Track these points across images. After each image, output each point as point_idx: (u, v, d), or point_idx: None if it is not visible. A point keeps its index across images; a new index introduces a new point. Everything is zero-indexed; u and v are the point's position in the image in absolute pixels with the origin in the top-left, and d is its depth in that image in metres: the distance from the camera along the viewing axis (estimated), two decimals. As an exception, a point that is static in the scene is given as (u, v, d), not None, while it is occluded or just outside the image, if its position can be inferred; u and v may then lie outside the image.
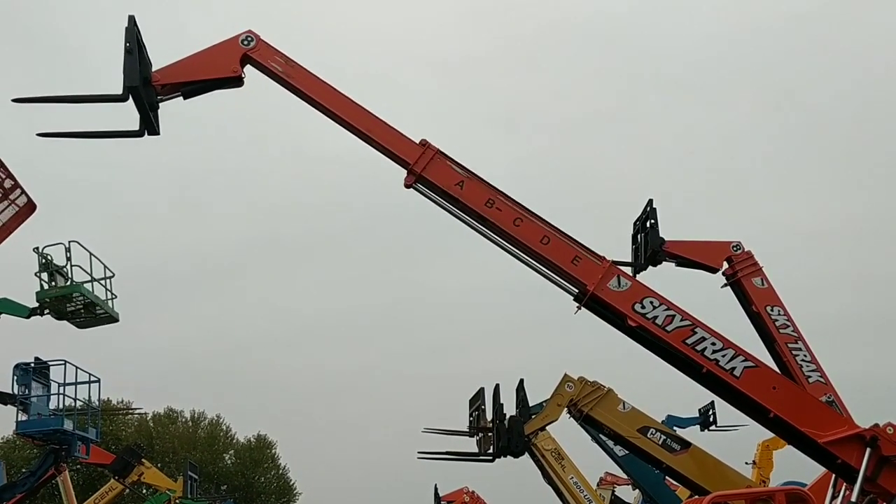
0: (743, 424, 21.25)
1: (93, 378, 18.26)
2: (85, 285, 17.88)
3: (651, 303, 9.70)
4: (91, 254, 18.06)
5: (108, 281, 18.59)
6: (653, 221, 13.28)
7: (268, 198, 78.92)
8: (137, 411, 46.67)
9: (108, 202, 73.91)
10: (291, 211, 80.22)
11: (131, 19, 9.96)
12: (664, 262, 13.41)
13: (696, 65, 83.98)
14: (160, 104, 10.16)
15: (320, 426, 73.26)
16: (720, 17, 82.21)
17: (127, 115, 10.17)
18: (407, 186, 10.15)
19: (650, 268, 13.17)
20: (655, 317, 9.65)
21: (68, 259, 17.49)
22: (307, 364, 75.70)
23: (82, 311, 18.13)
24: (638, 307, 9.69)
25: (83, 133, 10.41)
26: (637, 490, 25.61)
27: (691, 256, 13.66)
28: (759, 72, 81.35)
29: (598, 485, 29.55)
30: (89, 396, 18.36)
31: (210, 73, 10.24)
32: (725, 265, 13.94)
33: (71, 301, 17.60)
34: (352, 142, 10.12)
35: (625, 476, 25.19)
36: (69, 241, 17.57)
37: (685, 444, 16.03)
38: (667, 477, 18.21)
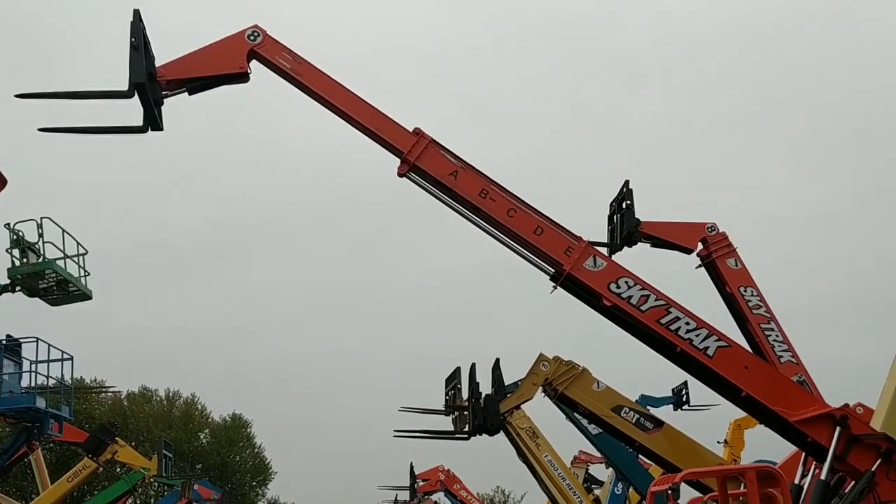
0: (715, 404, 21.63)
1: (65, 356, 18.13)
2: (57, 262, 17.71)
3: (626, 282, 9.74)
4: (64, 230, 17.89)
5: (80, 258, 18.44)
6: (629, 202, 13.35)
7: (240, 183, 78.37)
8: (111, 389, 46.44)
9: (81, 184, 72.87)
10: (256, 194, 79.71)
11: (136, 13, 9.74)
12: (640, 243, 13.53)
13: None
14: (165, 100, 9.95)
15: (296, 407, 73.37)
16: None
17: (119, 108, 9.95)
18: (400, 175, 10.07)
19: (638, 249, 13.28)
20: (630, 296, 9.68)
21: (40, 235, 17.32)
22: (282, 345, 75.59)
23: (55, 288, 17.99)
24: (613, 287, 9.72)
25: (85, 128, 10.20)
26: (610, 468, 25.84)
27: (666, 237, 13.76)
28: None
29: (572, 463, 29.83)
30: (62, 374, 18.24)
31: (216, 70, 10.04)
32: (700, 246, 14.08)
33: (43, 278, 17.44)
34: (317, 123, 10.05)
35: (598, 454, 25.45)
36: (41, 218, 17.38)
37: (658, 423, 16.19)
38: (640, 455, 18.38)
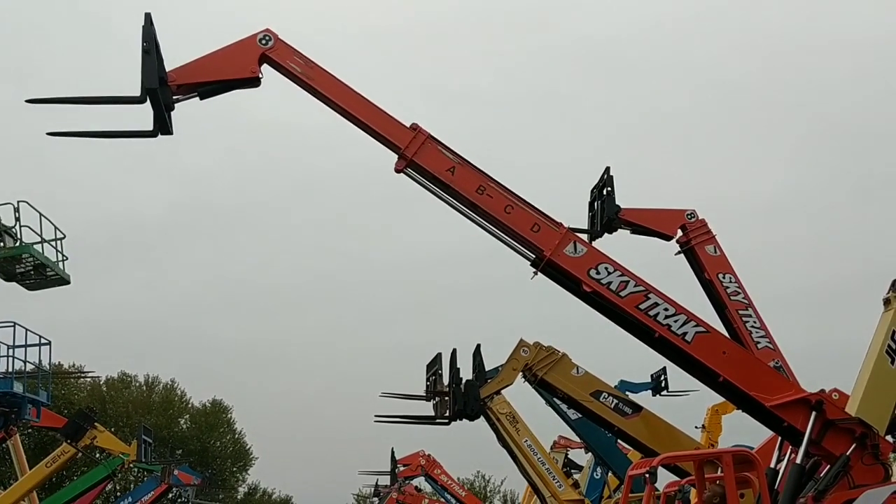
0: (694, 390, 21.85)
1: (43, 340, 17.98)
2: (35, 246, 17.54)
3: (606, 268, 9.79)
4: (41, 214, 17.72)
5: (58, 242, 18.26)
6: (609, 189, 13.39)
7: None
8: (90, 374, 46.17)
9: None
10: (228, 176, 79.07)
11: (147, 17, 9.59)
12: (620, 230, 13.59)
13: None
14: (176, 105, 9.84)
15: (276, 393, 73.29)
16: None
17: (122, 109, 9.86)
18: (398, 171, 10.04)
19: (627, 235, 13.33)
20: (610, 282, 9.74)
21: (17, 219, 17.13)
22: (263, 331, 75.40)
23: (32, 272, 17.81)
24: (593, 273, 9.77)
25: (95, 133, 10.11)
26: (590, 453, 26.03)
27: (646, 224, 13.83)
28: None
29: (551, 448, 29.99)
30: (39, 359, 18.10)
31: (228, 74, 9.94)
32: (680, 233, 14.17)
33: (20, 262, 17.26)
34: (288, 108, 9.97)
35: (578, 439, 25.60)
36: (18, 201, 17.19)
37: (637, 408, 16.31)
38: (618, 440, 18.53)
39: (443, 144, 10.06)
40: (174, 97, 9.77)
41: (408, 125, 10.06)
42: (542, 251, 9.84)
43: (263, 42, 9.92)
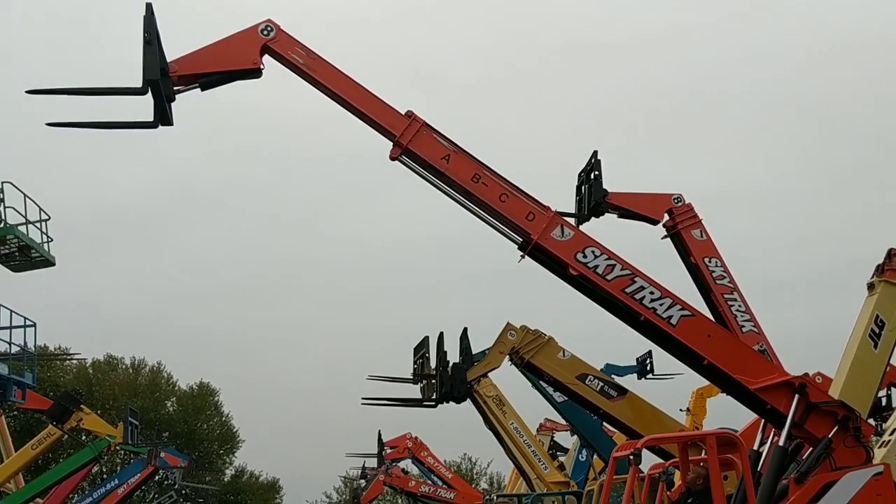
0: (679, 373, 21.99)
1: (28, 322, 17.91)
2: (19, 228, 17.46)
3: (592, 252, 9.80)
4: (25, 196, 17.62)
5: (43, 224, 18.19)
6: (597, 173, 13.44)
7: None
8: (75, 357, 46.01)
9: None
10: (206, 161, 78.54)
11: (149, 7, 9.47)
12: (607, 214, 13.64)
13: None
14: (177, 96, 9.75)
15: (263, 376, 73.32)
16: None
17: (119, 99, 9.72)
18: (392, 159, 9.98)
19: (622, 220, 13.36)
20: (596, 266, 9.74)
21: (1, 200, 17.04)
22: (249, 315, 75.33)
23: (17, 254, 17.76)
24: (580, 256, 9.77)
25: (95, 123, 10.01)
26: (575, 435, 26.22)
27: (633, 208, 13.88)
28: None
29: (537, 430, 30.21)
30: (25, 341, 18.01)
31: (230, 65, 9.85)
32: (666, 217, 14.22)
33: (5, 244, 17.19)
34: (269, 91, 9.90)
35: (563, 422, 25.80)
36: (2, 182, 17.09)
37: (622, 391, 16.44)
38: (604, 423, 18.68)
39: (438, 132, 10.01)
40: (175, 88, 9.70)
41: (402, 112, 10.00)
42: (529, 235, 9.85)
43: (265, 33, 9.84)
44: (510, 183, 10.06)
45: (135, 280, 72.23)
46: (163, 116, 9.69)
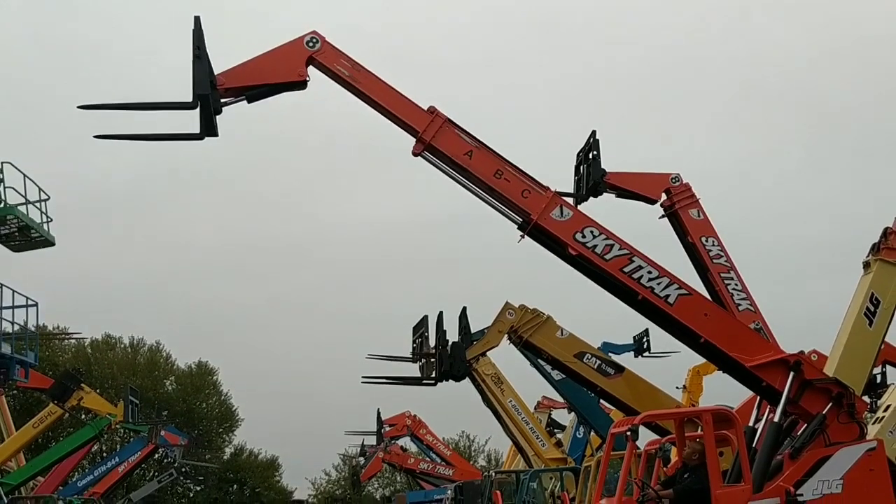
0: (675, 351, 22.16)
1: (30, 302, 18.00)
2: (19, 208, 17.51)
3: (591, 232, 9.90)
4: (25, 176, 17.65)
5: (43, 204, 18.23)
6: (595, 153, 13.49)
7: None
8: (76, 336, 46.12)
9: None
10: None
11: (197, 21, 9.48)
12: (605, 194, 13.71)
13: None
14: (223, 108, 9.82)
15: (263, 354, 73.53)
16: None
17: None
18: (415, 154, 10.06)
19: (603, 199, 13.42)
20: (595, 246, 9.85)
21: (1, 180, 17.06)
22: (248, 294, 75.45)
23: (17, 234, 17.81)
24: (579, 236, 9.87)
25: (142, 135, 10.08)
26: (573, 413, 26.42)
27: (631, 188, 13.96)
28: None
29: (535, 408, 30.44)
30: (26, 320, 18.11)
31: (276, 77, 9.90)
32: (664, 197, 14.31)
33: (4, 224, 17.24)
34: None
35: (561, 400, 25.98)
36: (2, 162, 17.11)
37: (619, 369, 16.60)
38: (601, 400, 18.86)
39: (460, 127, 10.06)
40: (222, 100, 9.75)
41: (425, 108, 10.05)
42: (529, 215, 9.94)
43: (311, 45, 9.89)
44: (531, 177, 10.07)
45: (125, 259, 72.00)
46: (209, 128, 9.75)
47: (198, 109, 9.68)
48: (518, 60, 79.25)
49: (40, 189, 18.07)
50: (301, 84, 9.99)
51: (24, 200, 17.58)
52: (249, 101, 10.01)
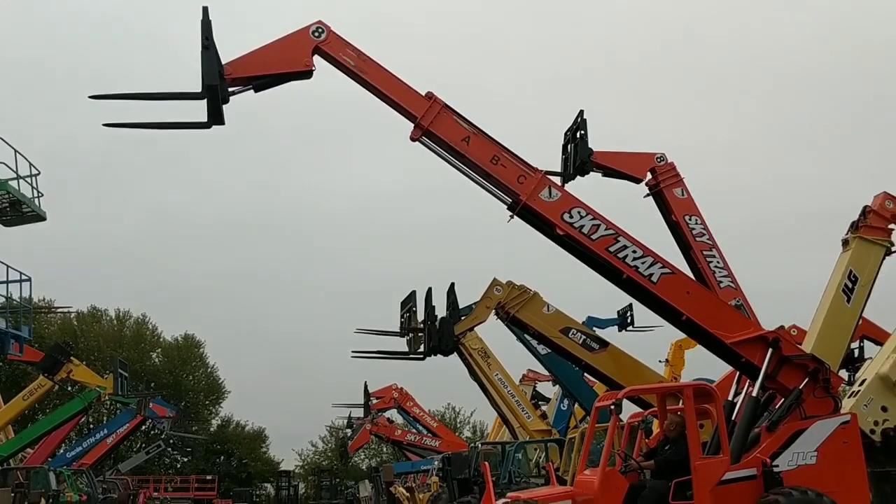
0: (658, 325, 22.50)
1: (23, 277, 18.12)
2: (10, 183, 17.57)
3: (578, 212, 10.10)
4: (16, 151, 17.70)
5: (33, 179, 18.30)
6: (582, 133, 13.70)
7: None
8: (64, 309, 46.04)
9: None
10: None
11: (205, 11, 9.54)
12: (592, 172, 13.95)
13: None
14: (231, 97, 9.91)
15: (251, 328, 73.63)
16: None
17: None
18: (413, 140, 10.22)
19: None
20: (582, 226, 10.06)
21: (-8, 156, 17.09)
22: (235, 265, 75.40)
23: (8, 208, 17.88)
24: (566, 216, 10.08)
25: (151, 124, 10.16)
26: (557, 386, 26.86)
27: (617, 167, 14.20)
28: None
29: (520, 381, 30.88)
30: (20, 295, 18.24)
31: (283, 67, 10.00)
32: (649, 176, 14.56)
33: (-4, 198, 17.29)
34: (233, 37, 9.96)
35: (546, 373, 26.41)
36: (-7, 138, 17.14)
37: (603, 344, 16.95)
38: (585, 374, 19.23)
39: (458, 113, 10.20)
40: (230, 90, 9.85)
41: (423, 94, 10.19)
42: (518, 195, 10.15)
43: (316, 34, 10.01)
44: (526, 163, 10.26)
45: (104, 231, 71.57)
46: (216, 116, 9.87)
47: (208, 102, 9.80)
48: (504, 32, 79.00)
49: (31, 164, 18.13)
50: (307, 73, 10.11)
51: (15, 175, 17.63)
52: (256, 91, 10.13)
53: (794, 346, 10.37)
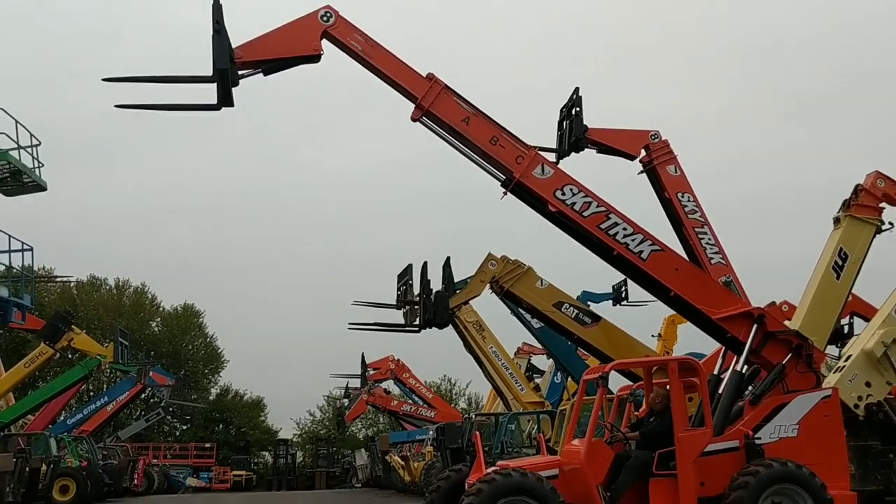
0: (652, 301, 22.71)
1: (25, 246, 18.31)
2: (11, 153, 17.71)
3: (571, 190, 10.29)
4: (17, 121, 17.82)
5: (34, 149, 18.44)
6: (577, 109, 13.85)
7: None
8: (59, 278, 46.23)
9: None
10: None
11: None
12: (587, 149, 14.12)
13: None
14: (240, 80, 10.04)
15: (250, 297, 73.90)
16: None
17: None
18: (414, 120, 10.37)
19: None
20: (574, 203, 10.26)
21: (-8, 126, 17.22)
22: (233, 236, 75.57)
23: (9, 178, 18.03)
24: (559, 193, 10.26)
25: (161, 105, 10.24)
26: (551, 359, 27.16)
27: (612, 144, 14.37)
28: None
29: (515, 354, 31.22)
30: (23, 263, 18.44)
31: (292, 51, 10.14)
32: (643, 153, 14.73)
33: (-3, 168, 17.44)
34: (230, 11, 10.03)
35: (540, 346, 26.69)
36: (-6, 108, 17.26)
37: (596, 318, 17.22)
38: (578, 348, 19.51)
39: (458, 94, 10.36)
40: (239, 73, 10.00)
41: (424, 75, 10.34)
42: (512, 172, 10.34)
43: (325, 19, 10.15)
44: (525, 143, 10.43)
45: (101, 201, 71.63)
46: (226, 99, 10.03)
47: (218, 85, 9.93)
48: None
49: (31, 134, 18.25)
50: (316, 57, 10.26)
51: (15, 145, 17.77)
52: (265, 74, 10.30)
53: (779, 322, 10.61)
